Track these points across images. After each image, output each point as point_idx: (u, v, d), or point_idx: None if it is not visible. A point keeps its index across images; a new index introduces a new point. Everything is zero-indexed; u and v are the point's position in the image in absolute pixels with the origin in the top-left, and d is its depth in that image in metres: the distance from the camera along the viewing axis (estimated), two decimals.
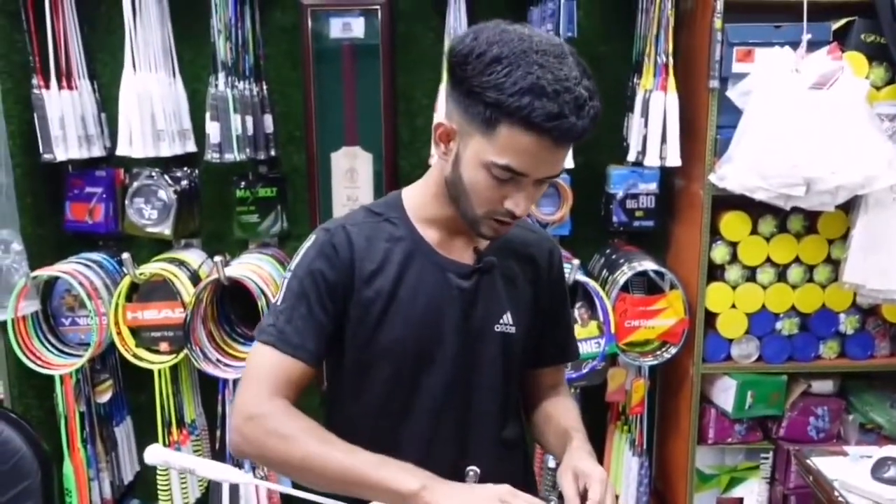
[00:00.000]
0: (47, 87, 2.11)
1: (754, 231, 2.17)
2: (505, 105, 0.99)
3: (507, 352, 1.24)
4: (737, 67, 2.05)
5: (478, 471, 1.09)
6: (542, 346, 1.32)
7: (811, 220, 2.16)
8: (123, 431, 2.42)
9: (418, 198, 1.23)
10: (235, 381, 2.22)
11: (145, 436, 2.41)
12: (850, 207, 2.09)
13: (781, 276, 2.20)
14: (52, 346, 2.23)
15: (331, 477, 1.05)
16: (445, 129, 1.11)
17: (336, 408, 1.28)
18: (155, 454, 1.07)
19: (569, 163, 2.12)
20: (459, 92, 1.05)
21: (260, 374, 1.14)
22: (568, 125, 0.99)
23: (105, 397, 2.33)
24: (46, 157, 2.11)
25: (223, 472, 1.06)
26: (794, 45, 2.01)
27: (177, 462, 1.08)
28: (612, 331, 2.18)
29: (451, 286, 1.19)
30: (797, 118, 1.94)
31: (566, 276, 1.37)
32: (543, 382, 1.35)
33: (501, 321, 1.22)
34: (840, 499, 1.59)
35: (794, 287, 2.19)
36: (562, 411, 1.31)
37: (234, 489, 2.24)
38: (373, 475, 1.03)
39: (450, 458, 1.20)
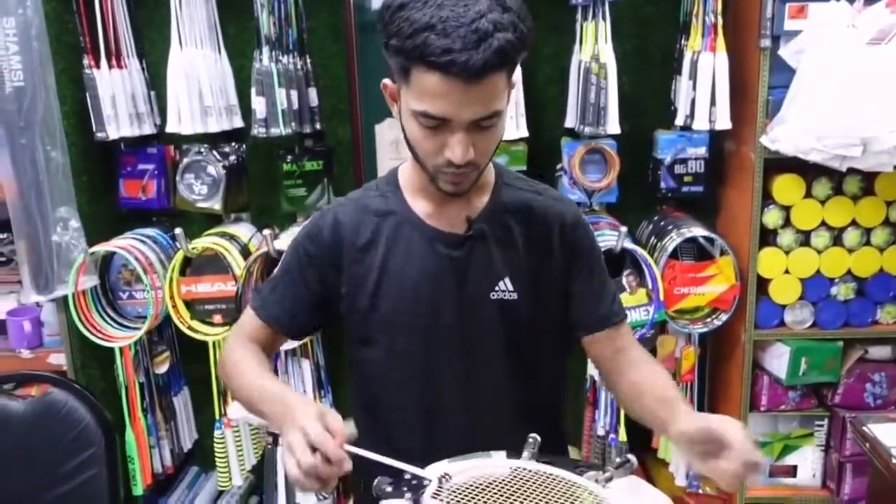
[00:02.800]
0: (98, 66, 2.15)
1: (808, 194, 2.11)
2: (405, 49, 1.00)
3: (507, 318, 1.22)
4: (789, 25, 1.99)
5: (537, 438, 1.07)
6: (578, 316, 1.28)
7: (868, 181, 2.09)
8: (181, 401, 2.50)
9: (409, 170, 1.24)
10: (287, 352, 2.26)
11: (202, 405, 2.48)
12: None
13: (837, 240, 2.14)
14: (111, 319, 2.30)
15: (246, 401, 1.21)
16: (389, 88, 1.13)
17: (353, 373, 1.33)
18: (238, 410, 1.23)
19: (615, 128, 2.09)
20: (384, 49, 1.07)
21: (241, 329, 1.32)
22: (462, 59, 0.97)
23: (163, 368, 2.40)
24: (99, 135, 2.15)
25: None
26: None
27: (256, 418, 1.18)
28: (661, 298, 2.15)
29: (440, 256, 1.20)
30: (853, 76, 1.87)
31: (597, 243, 1.32)
32: (603, 352, 1.29)
33: (498, 288, 1.21)
34: None
35: (850, 251, 2.13)
36: (648, 384, 1.20)
37: None
38: (265, 407, 1.14)
39: (458, 426, 1.23)
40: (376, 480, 1.00)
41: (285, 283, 1.28)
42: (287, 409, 1.06)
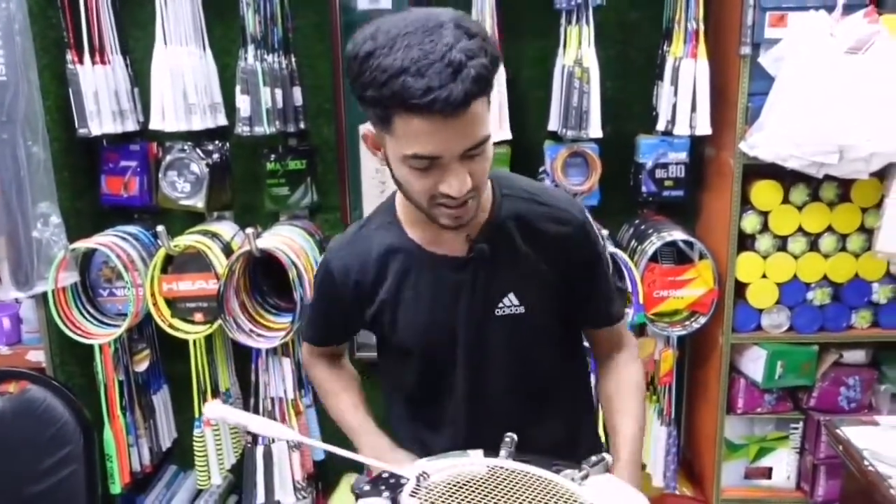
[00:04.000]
0: (81, 62, 2.14)
1: (786, 200, 2.14)
2: (383, 97, 0.98)
3: (514, 332, 1.24)
4: (769, 33, 2.01)
5: (514, 437, 1.09)
6: (581, 312, 1.32)
7: (844, 188, 2.12)
8: (161, 399, 2.49)
9: (404, 200, 1.22)
10: (268, 351, 2.26)
11: (182, 404, 2.47)
12: (884, 175, 2.05)
13: (813, 246, 2.17)
14: (91, 316, 2.29)
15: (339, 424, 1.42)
16: (371, 137, 1.11)
17: (385, 388, 1.44)
18: (214, 410, 1.19)
19: (597, 132, 2.11)
20: (359, 101, 1.05)
21: (307, 348, 1.48)
22: (444, 95, 0.95)
23: (143, 366, 2.39)
24: (81, 131, 2.14)
25: (273, 430, 1.16)
26: (829, 8, 1.97)
27: (233, 418, 1.18)
28: (641, 301, 2.17)
29: (446, 283, 1.22)
30: (831, 84, 1.90)
31: (601, 242, 1.33)
32: (600, 346, 1.37)
33: (502, 304, 1.23)
34: (870, 468, 1.58)
35: (826, 256, 2.17)
36: (618, 403, 1.30)
37: (268, 455, 2.29)
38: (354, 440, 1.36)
39: (485, 437, 1.22)
40: (355, 479, 1.01)
41: (320, 320, 1.41)
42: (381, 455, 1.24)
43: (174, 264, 2.23)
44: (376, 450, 1.30)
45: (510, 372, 1.27)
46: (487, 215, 1.22)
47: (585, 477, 1.03)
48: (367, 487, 0.99)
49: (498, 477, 1.02)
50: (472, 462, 1.06)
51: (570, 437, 1.35)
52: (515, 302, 1.23)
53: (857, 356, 2.29)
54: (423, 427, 1.34)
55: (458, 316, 1.23)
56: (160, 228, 2.18)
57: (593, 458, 1.06)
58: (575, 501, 0.98)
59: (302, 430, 2.33)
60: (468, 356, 1.25)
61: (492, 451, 1.09)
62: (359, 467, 1.16)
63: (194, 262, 2.19)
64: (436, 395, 1.30)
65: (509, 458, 1.06)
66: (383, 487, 0.99)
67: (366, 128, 1.11)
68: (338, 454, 1.08)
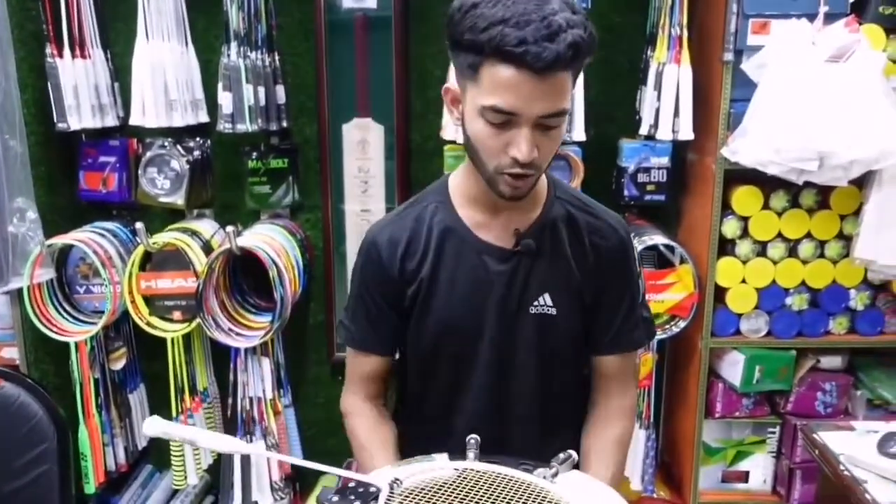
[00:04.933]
0: (61, 56, 2.11)
1: (766, 206, 2.16)
2: (478, 42, 1.01)
3: (544, 332, 1.25)
4: (752, 40, 2.03)
5: (478, 438, 1.09)
6: (596, 334, 1.31)
7: (823, 195, 2.14)
8: (137, 398, 2.46)
9: (460, 177, 1.25)
10: (247, 350, 2.24)
11: (159, 403, 2.44)
12: (863, 183, 2.07)
13: (792, 252, 2.19)
14: (67, 313, 2.26)
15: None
16: (452, 92, 1.14)
17: (402, 378, 1.39)
18: (154, 426, 1.08)
19: (580, 135, 2.12)
20: (451, 50, 1.08)
21: (349, 371, 1.37)
22: (537, 50, 0.99)
23: (119, 364, 2.36)
24: (60, 126, 2.12)
25: (225, 444, 1.06)
26: (811, 16, 1.98)
27: (177, 433, 1.09)
28: None
29: (488, 270, 1.22)
30: (812, 92, 1.92)
31: (637, 266, 1.34)
32: (607, 370, 1.34)
33: (537, 302, 1.23)
34: (845, 472, 1.59)
35: (804, 262, 2.19)
36: (598, 455, 1.29)
37: (246, 457, 2.26)
38: None
39: (492, 433, 1.24)
40: (321, 491, 1.00)
41: (361, 311, 1.32)
42: None
43: (153, 262, 2.20)
44: None
45: (534, 371, 1.27)
46: (539, 213, 1.23)
47: (556, 474, 1.03)
48: (335, 499, 0.97)
49: (470, 479, 1.02)
50: (440, 466, 1.05)
51: (575, 443, 1.33)
52: (549, 303, 1.24)
53: (834, 362, 2.31)
54: (437, 422, 1.32)
55: (492, 306, 1.23)
56: (139, 225, 2.16)
57: (561, 456, 1.07)
58: (549, 498, 0.98)
59: (280, 431, 2.31)
60: (494, 347, 1.25)
61: (511, 450, 1.10)
62: (337, 467, 1.14)
63: (173, 259, 2.17)
64: (456, 385, 1.28)
65: (476, 459, 1.06)
66: (353, 497, 0.96)
67: (450, 84, 1.15)
68: (304, 466, 1.05)
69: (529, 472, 1.03)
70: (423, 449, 1.12)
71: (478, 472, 1.03)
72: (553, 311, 1.24)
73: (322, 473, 2.44)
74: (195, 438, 1.07)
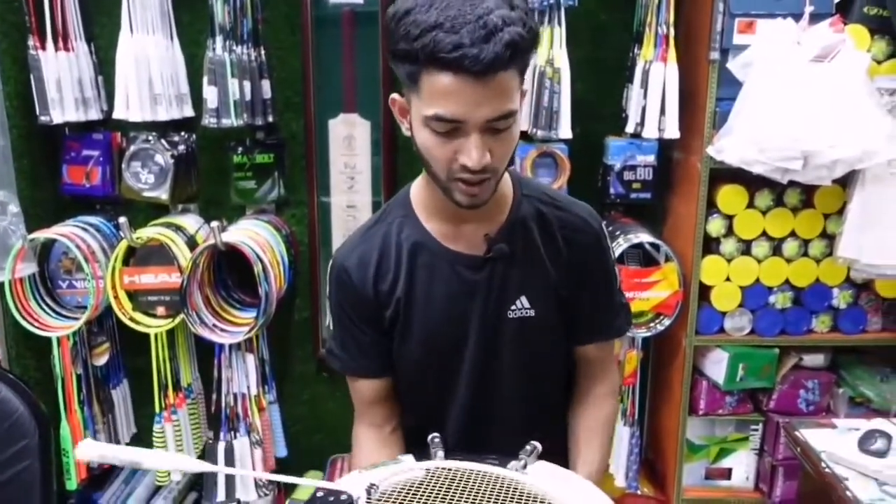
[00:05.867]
0: (44, 48, 2.09)
1: (750, 205, 2.17)
2: (413, 52, 0.98)
3: (525, 335, 1.23)
4: (738, 39, 2.04)
5: (439, 436, 1.09)
6: (583, 322, 1.30)
7: (808, 194, 2.16)
8: (120, 394, 2.44)
9: (421, 189, 1.22)
10: (232, 346, 2.23)
11: (142, 399, 2.43)
12: (847, 182, 2.09)
13: (776, 250, 2.20)
14: (50, 308, 2.24)
15: None
16: (399, 102, 1.11)
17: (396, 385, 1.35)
18: (88, 450, 0.99)
19: (566, 133, 2.12)
20: (391, 60, 1.05)
21: (353, 399, 1.33)
22: (473, 52, 0.95)
23: (102, 360, 2.35)
24: (43, 119, 2.10)
25: (173, 463, 1.01)
26: (797, 16, 2.00)
27: (116, 455, 0.99)
28: None
29: (463, 281, 1.20)
30: (797, 91, 1.93)
31: (612, 256, 1.33)
32: (589, 357, 1.34)
33: (514, 307, 1.21)
34: (826, 469, 1.61)
35: (788, 261, 2.20)
36: (587, 434, 1.30)
37: (230, 452, 2.26)
38: None
39: (480, 438, 1.25)
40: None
41: (347, 337, 1.28)
42: None
43: (136, 257, 2.18)
44: None
45: (518, 375, 1.26)
46: (507, 214, 1.21)
47: (524, 466, 1.04)
48: None
49: (442, 477, 1.01)
50: (409, 467, 1.04)
51: (566, 449, 1.33)
52: (527, 305, 1.22)
53: (816, 360, 2.33)
54: (426, 432, 1.27)
55: (472, 315, 1.21)
56: (122, 220, 2.14)
57: (528, 448, 1.06)
58: (522, 490, 0.98)
59: (265, 427, 2.30)
60: (477, 356, 1.23)
61: (500, 452, 1.09)
62: (320, 464, 1.14)
63: (157, 254, 2.16)
64: (440, 394, 1.27)
65: (442, 458, 1.06)
66: None
67: (395, 95, 1.12)
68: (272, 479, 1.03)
69: (498, 466, 1.03)
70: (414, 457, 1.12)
71: (448, 470, 1.02)
72: (531, 312, 1.22)
73: (307, 468, 2.44)
74: (139, 460, 0.98)
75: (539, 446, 1.08)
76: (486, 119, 1.01)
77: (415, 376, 1.28)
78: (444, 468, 1.03)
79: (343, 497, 0.95)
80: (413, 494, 0.98)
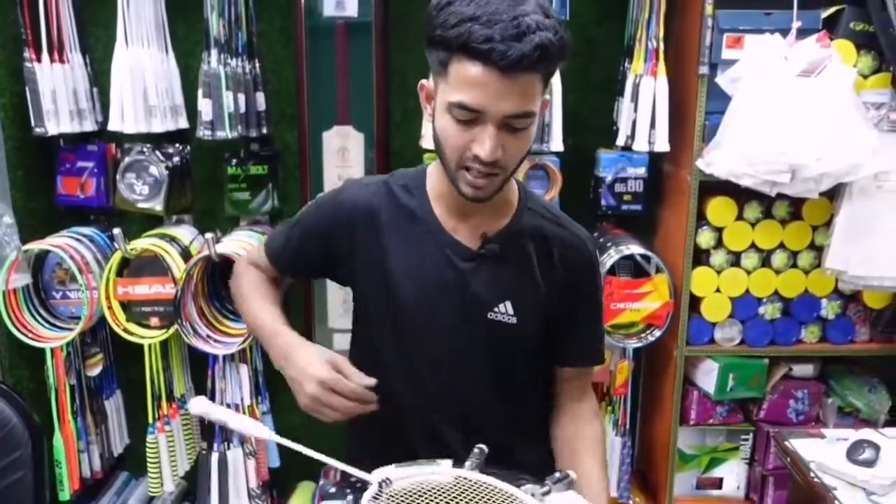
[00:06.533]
0: (39, 60, 2.10)
1: (740, 217, 2.20)
2: (447, 39, 1.03)
3: (500, 341, 1.24)
4: (726, 54, 2.07)
5: (483, 448, 1.09)
6: (560, 347, 1.32)
7: (796, 206, 2.18)
8: (113, 405, 2.44)
9: (437, 172, 1.24)
10: (225, 357, 2.24)
11: (135, 409, 2.43)
12: (834, 195, 2.12)
13: (765, 262, 2.23)
14: (43, 319, 2.24)
15: (252, 328, 1.38)
16: (427, 88, 1.16)
17: (355, 346, 1.38)
18: (199, 405, 1.16)
19: (558, 145, 2.14)
20: (427, 47, 1.10)
21: (253, 256, 1.45)
22: (502, 48, 0.99)
23: (95, 371, 2.35)
24: (38, 130, 2.11)
25: (249, 427, 1.15)
26: (784, 32, 2.03)
27: (215, 413, 1.17)
28: None
29: (449, 265, 1.21)
30: (785, 105, 1.96)
31: (602, 283, 1.37)
32: (569, 380, 1.35)
33: (497, 310, 1.23)
34: (815, 479, 1.63)
35: (777, 272, 2.22)
36: (581, 444, 1.31)
37: (223, 462, 2.27)
38: (266, 341, 1.28)
39: (452, 430, 1.25)
40: (321, 482, 1.01)
41: (294, 232, 1.35)
42: (289, 353, 1.20)
43: (130, 268, 2.19)
44: (290, 345, 1.24)
45: (488, 379, 1.26)
46: (509, 221, 1.24)
47: (547, 493, 1.03)
48: (332, 490, 1.00)
49: (461, 487, 1.02)
50: (440, 471, 1.05)
51: (543, 463, 1.30)
52: (510, 311, 1.23)
53: (805, 370, 2.35)
54: (386, 425, 1.28)
55: (450, 304, 1.22)
56: (116, 231, 2.15)
57: (557, 475, 1.06)
58: None
59: (258, 438, 2.30)
60: (446, 347, 1.24)
61: (454, 457, 1.08)
62: (313, 474, 1.16)
63: (151, 265, 2.17)
64: (408, 379, 1.26)
65: (475, 469, 1.06)
66: (349, 491, 0.99)
67: (425, 81, 1.17)
68: (311, 456, 1.06)
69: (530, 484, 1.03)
70: (376, 437, 1.18)
71: (471, 481, 1.03)
72: (513, 319, 1.23)
73: (300, 479, 2.44)
74: (227, 420, 1.15)
75: (573, 476, 1.07)
76: (504, 114, 1.05)
77: (381, 352, 1.27)
78: (471, 480, 1.03)
79: (369, 486, 0.98)
80: (421, 497, 0.99)
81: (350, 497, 0.97)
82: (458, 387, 1.26)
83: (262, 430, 1.14)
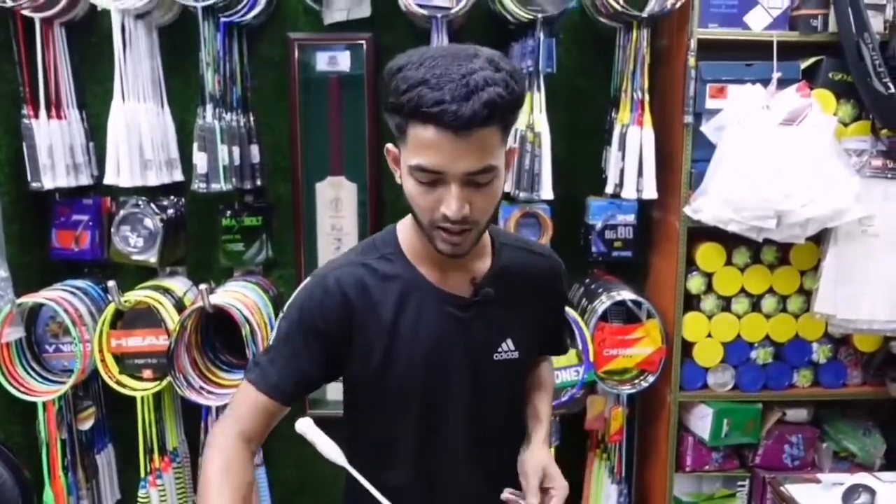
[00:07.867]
0: (36, 116, 2.14)
1: (729, 262, 2.22)
2: (401, 104, 1.05)
3: (510, 377, 1.30)
4: (710, 103, 2.12)
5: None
6: (544, 344, 1.42)
7: (783, 251, 2.21)
8: (104, 459, 2.42)
9: (409, 231, 1.25)
10: (219, 409, 2.23)
11: (126, 463, 2.41)
12: (820, 239, 2.15)
13: (755, 306, 2.25)
14: (36, 372, 2.23)
15: None
16: (392, 152, 1.18)
17: (355, 436, 1.33)
18: (304, 424, 1.20)
19: (548, 194, 2.17)
20: (384, 112, 1.12)
21: (237, 403, 1.25)
22: (453, 108, 1.01)
23: (87, 424, 2.33)
24: (34, 185, 2.13)
25: (336, 456, 1.18)
26: (765, 82, 2.08)
27: (310, 434, 1.19)
28: (591, 359, 2.21)
29: (450, 318, 1.23)
30: (768, 153, 2.00)
31: (565, 282, 1.44)
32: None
33: (501, 349, 1.26)
34: None
35: (767, 317, 2.24)
36: (537, 383, 1.42)
37: None
38: None
39: (460, 482, 1.27)
40: None
41: (286, 352, 1.23)
42: None
43: (124, 320, 2.20)
44: None
45: (507, 415, 1.31)
46: (490, 262, 1.27)
47: None
48: None
49: None
50: None
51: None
52: (512, 347, 1.27)
53: (799, 414, 2.35)
54: (411, 467, 1.27)
55: (458, 356, 1.24)
56: (110, 283, 2.15)
57: None
58: None
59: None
60: (465, 398, 1.25)
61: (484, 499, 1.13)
62: None
63: (145, 317, 2.17)
64: (429, 438, 1.26)
65: None
66: None
67: (389, 144, 1.18)
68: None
69: None
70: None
71: None
72: (516, 354, 1.27)
73: None
74: (317, 443, 1.19)
75: None
76: (465, 172, 1.07)
77: (394, 417, 1.26)
78: None
79: None
80: None
81: None
82: (478, 432, 1.27)
83: (342, 459, 1.17)
